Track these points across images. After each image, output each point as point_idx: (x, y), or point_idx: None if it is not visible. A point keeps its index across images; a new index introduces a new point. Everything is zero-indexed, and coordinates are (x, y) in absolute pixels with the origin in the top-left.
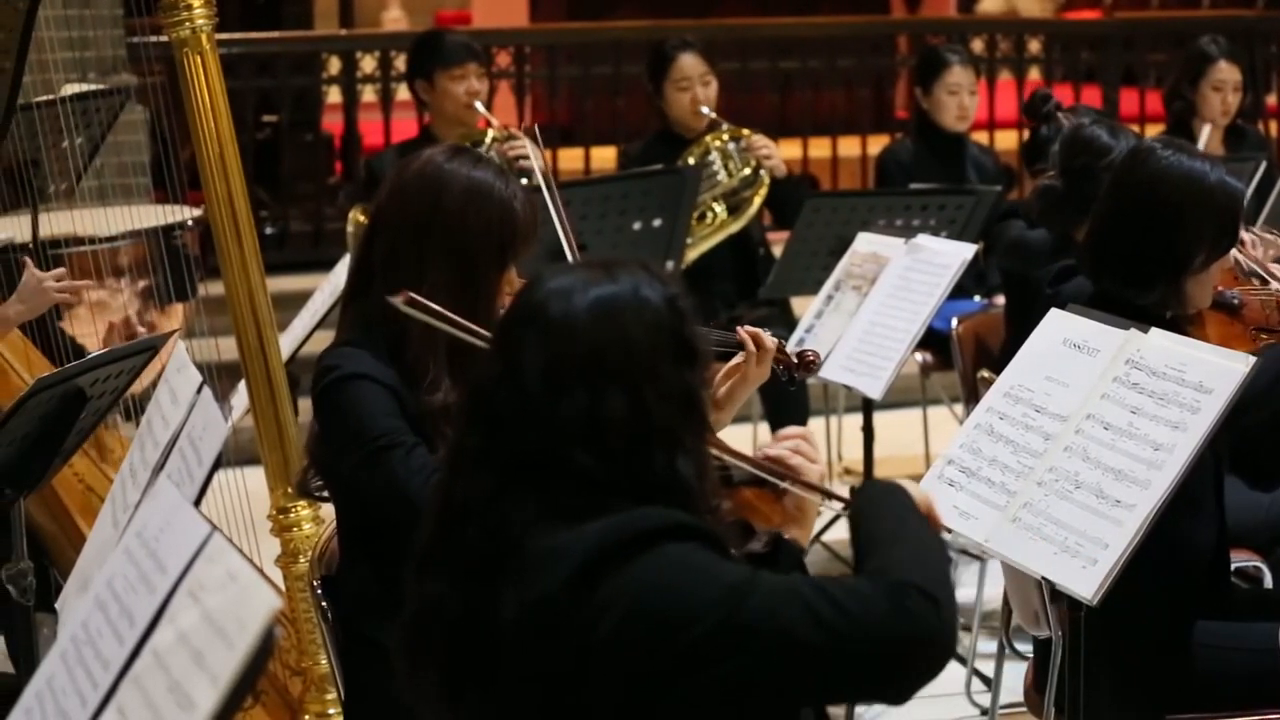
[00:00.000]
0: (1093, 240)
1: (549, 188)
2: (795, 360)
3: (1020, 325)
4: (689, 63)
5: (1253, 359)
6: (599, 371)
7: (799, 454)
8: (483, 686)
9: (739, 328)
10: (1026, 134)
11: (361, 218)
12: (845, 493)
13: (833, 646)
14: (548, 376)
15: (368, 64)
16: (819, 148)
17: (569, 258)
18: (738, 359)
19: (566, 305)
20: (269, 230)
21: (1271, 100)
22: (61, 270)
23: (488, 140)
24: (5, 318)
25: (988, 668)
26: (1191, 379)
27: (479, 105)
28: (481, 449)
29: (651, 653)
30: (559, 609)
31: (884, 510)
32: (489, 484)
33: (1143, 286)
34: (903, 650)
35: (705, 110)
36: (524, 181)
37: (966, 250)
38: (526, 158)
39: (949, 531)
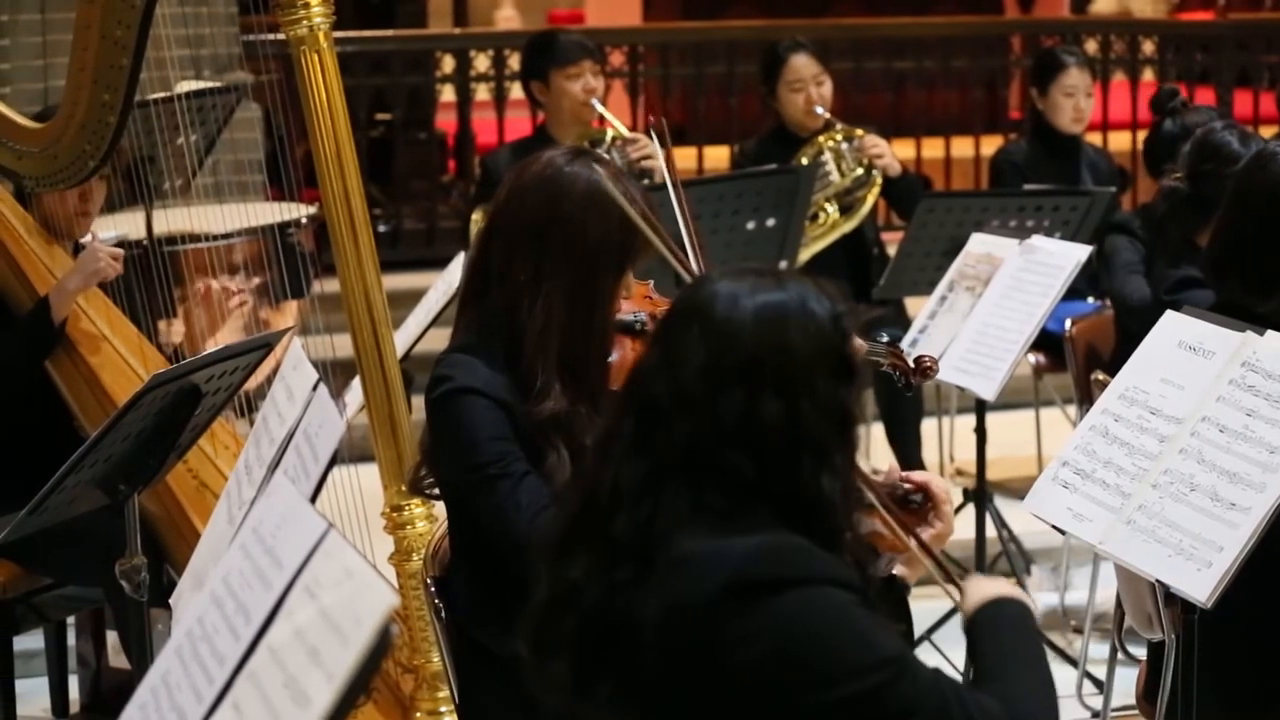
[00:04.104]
0: (1214, 246)
1: (674, 185)
2: (912, 366)
3: (1123, 333)
4: (801, 63)
5: None
6: (757, 375)
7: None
8: (616, 682)
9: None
10: (1148, 131)
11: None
12: (959, 497)
13: None
14: (706, 374)
15: (481, 63)
16: (932, 148)
17: (691, 259)
18: None
19: (732, 307)
20: (382, 228)
21: None
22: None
23: (608, 140)
24: (64, 289)
25: (1099, 670)
26: None
27: (596, 103)
28: (636, 436)
29: (786, 695)
30: (701, 622)
31: (1014, 631)
32: (641, 472)
33: (1262, 294)
34: None
35: (819, 110)
36: (644, 183)
37: (1081, 252)
38: (650, 157)
39: (1063, 533)
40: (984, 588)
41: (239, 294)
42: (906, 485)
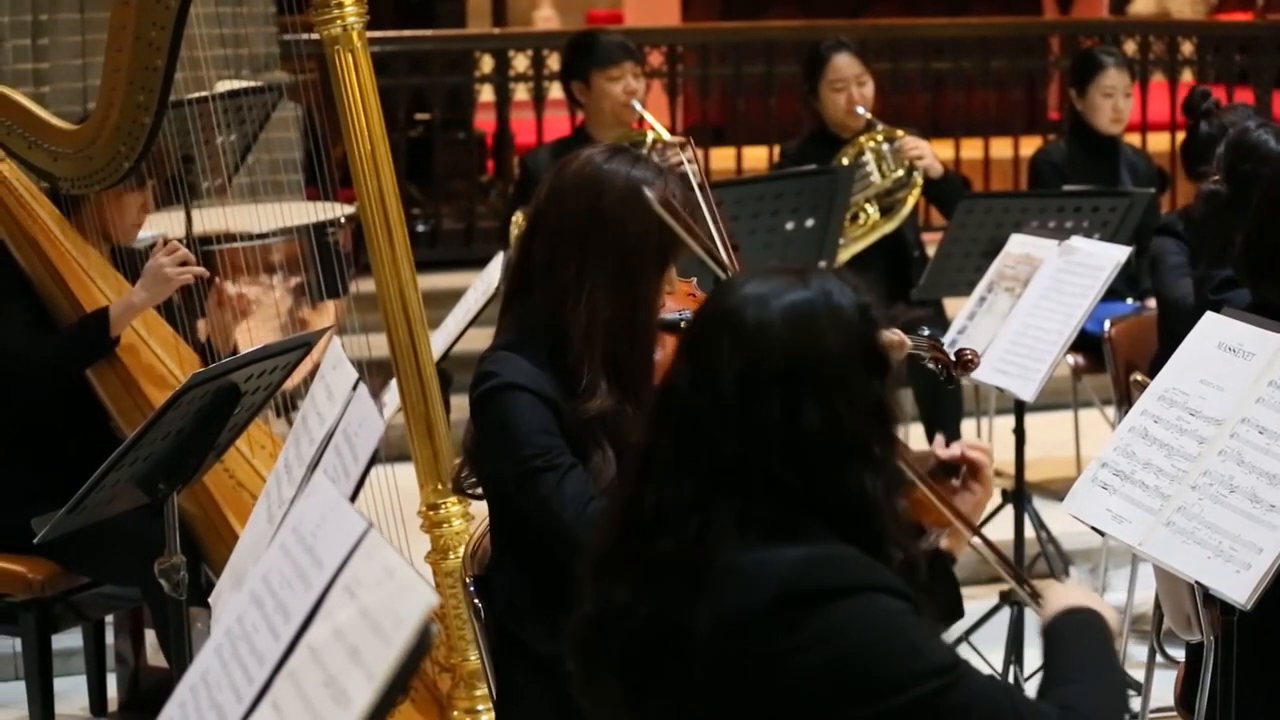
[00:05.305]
0: (1246, 246)
1: (703, 190)
2: (954, 359)
3: (1170, 338)
4: (844, 63)
5: None
6: (793, 379)
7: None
8: (667, 698)
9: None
10: (1184, 134)
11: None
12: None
13: None
14: (742, 383)
15: (520, 62)
16: (971, 149)
17: (724, 260)
18: None
19: (762, 311)
20: (421, 228)
21: None
22: (182, 251)
23: (648, 142)
24: (130, 304)
25: (1138, 672)
26: None
27: (637, 104)
28: (676, 454)
29: (839, 706)
30: (751, 634)
31: (1087, 639)
32: (686, 490)
33: None
34: None
35: (861, 110)
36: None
37: (1120, 253)
38: (690, 162)
39: (1102, 534)
40: (1065, 595)
41: (246, 298)
42: (941, 454)
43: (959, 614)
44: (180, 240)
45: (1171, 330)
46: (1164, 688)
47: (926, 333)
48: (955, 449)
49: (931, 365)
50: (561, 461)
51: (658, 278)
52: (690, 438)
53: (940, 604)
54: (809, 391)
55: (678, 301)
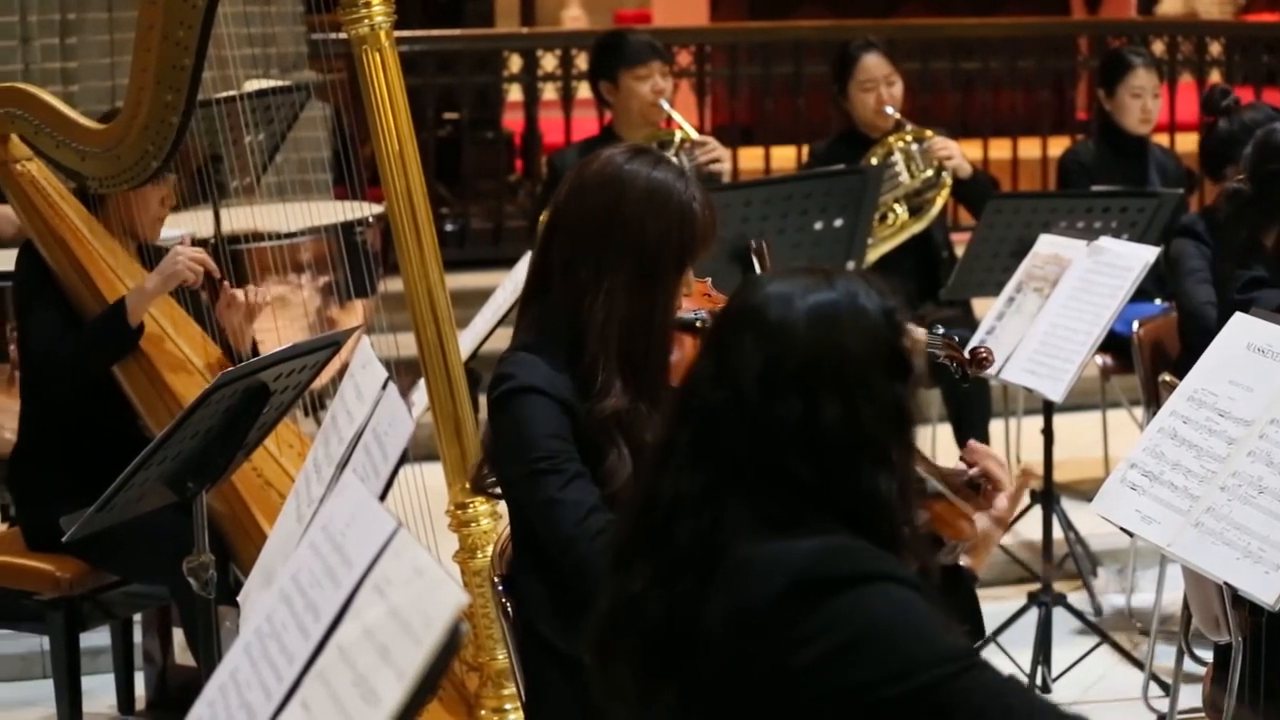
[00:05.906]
0: (1278, 244)
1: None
2: (968, 357)
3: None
4: (873, 63)
5: None
6: (814, 378)
7: (994, 495)
8: (679, 690)
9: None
10: (1203, 133)
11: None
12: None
13: None
14: (763, 380)
15: (548, 62)
16: (999, 149)
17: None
18: None
19: (785, 310)
20: (450, 227)
21: None
22: (203, 253)
23: (676, 141)
24: (143, 290)
25: (1166, 674)
26: None
27: (665, 104)
28: (693, 446)
29: (851, 693)
30: (764, 624)
31: None
32: (700, 482)
33: None
34: None
35: (890, 110)
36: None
37: (1149, 253)
38: (717, 160)
39: (1130, 535)
40: None
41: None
42: (970, 471)
43: (980, 635)
44: (209, 239)
45: (1188, 336)
46: (1192, 688)
47: (941, 330)
48: (976, 456)
49: (945, 362)
50: (568, 468)
51: (676, 279)
52: (709, 432)
53: (961, 622)
54: (829, 391)
55: (694, 302)
